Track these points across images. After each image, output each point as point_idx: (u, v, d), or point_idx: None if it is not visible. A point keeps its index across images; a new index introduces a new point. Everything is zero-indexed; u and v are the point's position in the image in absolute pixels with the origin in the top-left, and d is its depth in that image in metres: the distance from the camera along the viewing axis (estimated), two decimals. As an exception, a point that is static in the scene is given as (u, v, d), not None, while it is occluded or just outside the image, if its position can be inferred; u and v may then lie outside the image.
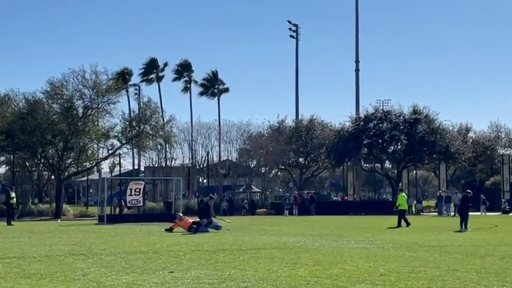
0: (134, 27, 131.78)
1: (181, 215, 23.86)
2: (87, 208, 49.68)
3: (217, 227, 21.74)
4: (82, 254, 13.32)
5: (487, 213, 43.94)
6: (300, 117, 65.21)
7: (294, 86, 71.30)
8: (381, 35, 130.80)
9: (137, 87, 71.69)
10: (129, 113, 52.01)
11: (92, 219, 36.73)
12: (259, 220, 35.62)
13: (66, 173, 47.95)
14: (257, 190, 64.68)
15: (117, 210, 42.85)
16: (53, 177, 50.68)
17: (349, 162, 58.46)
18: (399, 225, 25.34)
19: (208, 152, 59.65)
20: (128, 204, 35.67)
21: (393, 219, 27.28)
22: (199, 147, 61.28)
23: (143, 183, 36.21)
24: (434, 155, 55.84)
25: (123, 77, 58.33)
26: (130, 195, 33.32)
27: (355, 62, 68.08)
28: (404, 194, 28.86)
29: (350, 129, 55.51)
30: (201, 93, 71.35)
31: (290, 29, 70.45)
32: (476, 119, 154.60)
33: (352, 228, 24.38)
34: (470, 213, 24.38)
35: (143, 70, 71.13)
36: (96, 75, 43.39)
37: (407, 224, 25.36)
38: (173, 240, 17.63)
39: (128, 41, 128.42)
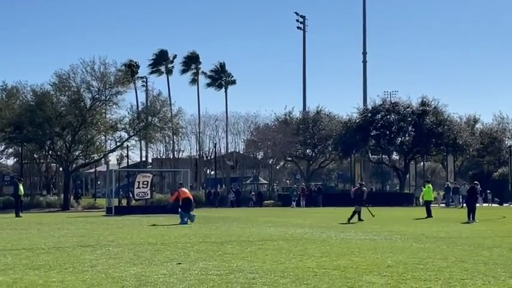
0: (141, 20, 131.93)
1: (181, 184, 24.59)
2: (95, 200, 49.91)
3: (192, 218, 21.79)
4: (90, 246, 13.38)
5: (484, 205, 43.96)
6: (307, 108, 65.21)
7: (301, 77, 71.27)
8: (388, 26, 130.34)
9: (144, 79, 71.82)
10: (137, 105, 52.19)
11: (100, 210, 36.93)
12: (266, 212, 35.66)
13: (74, 165, 48.18)
14: (264, 182, 64.71)
15: (125, 202, 43.03)
16: (61, 169, 50.90)
17: (356, 154, 58.37)
18: (430, 215, 25.55)
19: (215, 143, 59.78)
20: (136, 197, 35.83)
21: (400, 211, 27.26)
22: (207, 139, 61.45)
23: (151, 176, 36.32)
24: (442, 147, 55.69)
25: (130, 69, 58.38)
26: (138, 187, 33.46)
27: (363, 53, 67.95)
28: (430, 185, 29.34)
29: (357, 121, 55.40)
30: (208, 85, 71.36)
31: (297, 20, 70.31)
32: (484, 110, 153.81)
33: (359, 219, 24.35)
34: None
35: (152, 62, 71.11)
36: (105, 67, 43.51)
37: (429, 215, 25.53)
38: (181, 231, 17.69)
39: (135, 33, 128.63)
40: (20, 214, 28.69)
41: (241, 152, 62.12)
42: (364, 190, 24.74)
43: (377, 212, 25.49)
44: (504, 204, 44.36)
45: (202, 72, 70.90)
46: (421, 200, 42.19)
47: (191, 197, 22.80)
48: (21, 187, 30.74)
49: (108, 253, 12.05)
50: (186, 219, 21.54)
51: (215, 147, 59.04)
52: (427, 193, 27.77)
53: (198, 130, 60.20)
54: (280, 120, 61.03)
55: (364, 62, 68.51)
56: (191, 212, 21.88)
